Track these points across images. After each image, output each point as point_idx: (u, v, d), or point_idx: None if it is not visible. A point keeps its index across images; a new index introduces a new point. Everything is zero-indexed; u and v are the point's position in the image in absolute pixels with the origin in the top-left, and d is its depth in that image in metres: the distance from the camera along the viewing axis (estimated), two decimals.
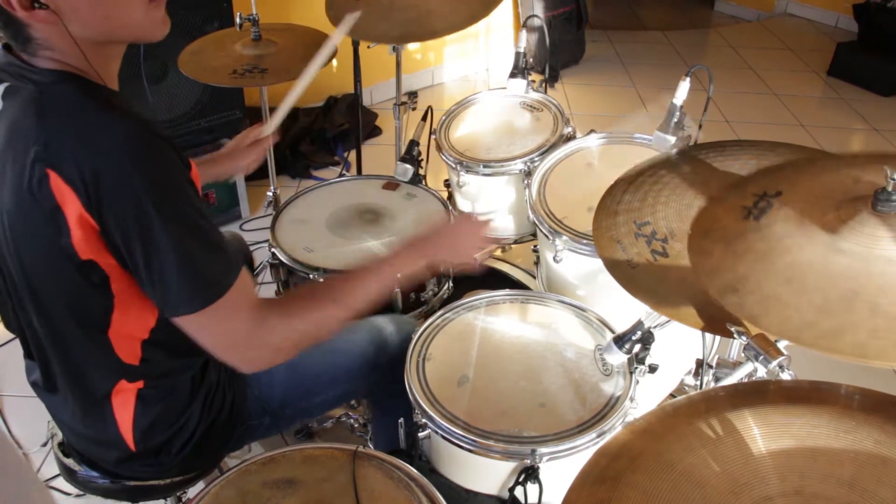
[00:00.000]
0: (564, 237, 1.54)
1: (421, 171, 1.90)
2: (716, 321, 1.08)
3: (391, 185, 1.91)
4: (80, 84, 0.99)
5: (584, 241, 1.52)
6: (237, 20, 2.06)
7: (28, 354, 1.21)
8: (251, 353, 1.07)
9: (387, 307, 1.65)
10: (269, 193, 2.40)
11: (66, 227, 0.95)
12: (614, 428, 1.22)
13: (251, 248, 1.99)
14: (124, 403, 1.16)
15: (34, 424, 2.04)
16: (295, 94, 1.56)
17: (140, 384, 1.16)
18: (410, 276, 1.26)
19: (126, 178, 0.93)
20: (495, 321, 1.46)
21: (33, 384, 1.26)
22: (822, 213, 0.92)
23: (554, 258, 1.56)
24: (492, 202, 1.94)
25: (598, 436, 1.21)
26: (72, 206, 0.93)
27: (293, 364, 1.36)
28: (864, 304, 0.81)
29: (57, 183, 0.92)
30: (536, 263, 1.78)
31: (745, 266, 0.91)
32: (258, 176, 3.09)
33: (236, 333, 1.04)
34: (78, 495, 1.88)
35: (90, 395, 1.16)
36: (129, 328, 1.09)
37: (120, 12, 0.98)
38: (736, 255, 0.93)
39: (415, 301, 1.70)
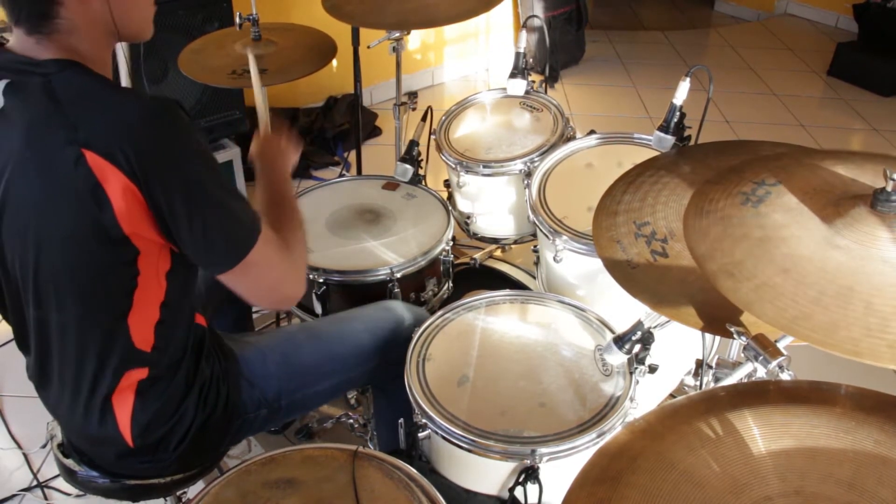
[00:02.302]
0: (564, 237, 1.54)
1: (421, 172, 1.90)
2: (715, 321, 1.08)
3: (391, 185, 1.91)
4: (85, 69, 1.02)
5: (584, 241, 1.52)
6: (237, 20, 2.06)
7: (22, 347, 1.21)
8: (296, 278, 1.17)
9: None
10: None
11: (107, 203, 0.97)
12: (614, 428, 1.22)
13: None
14: (123, 400, 1.17)
15: (34, 424, 2.04)
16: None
17: (144, 373, 1.16)
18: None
19: (165, 142, 0.98)
20: (495, 321, 1.46)
21: (30, 377, 1.26)
22: (821, 207, 0.92)
23: (554, 258, 1.56)
24: (492, 202, 1.94)
25: (598, 436, 1.21)
26: (114, 180, 0.96)
27: (287, 355, 1.37)
28: (860, 301, 0.81)
29: (95, 160, 0.95)
30: (536, 263, 1.78)
31: (742, 251, 0.91)
32: None
33: (279, 266, 1.12)
34: (78, 495, 1.88)
35: (91, 392, 1.16)
36: (147, 307, 1.11)
37: (136, 5, 1.08)
38: (733, 239, 0.93)
39: (415, 301, 1.70)
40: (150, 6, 1.10)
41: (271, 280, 1.13)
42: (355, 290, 1.65)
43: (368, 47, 2.23)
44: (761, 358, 0.99)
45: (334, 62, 2.61)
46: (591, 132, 1.83)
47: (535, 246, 1.76)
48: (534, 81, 2.04)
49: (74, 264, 1.04)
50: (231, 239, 1.06)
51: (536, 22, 3.68)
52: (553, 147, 1.82)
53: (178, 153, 1.00)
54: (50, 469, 1.97)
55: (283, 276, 1.14)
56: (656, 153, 1.57)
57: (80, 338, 1.12)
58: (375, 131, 3.68)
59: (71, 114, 0.97)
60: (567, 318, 1.46)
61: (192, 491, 1.27)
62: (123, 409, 1.17)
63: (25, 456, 2.02)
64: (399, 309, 1.51)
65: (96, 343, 1.12)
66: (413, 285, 1.68)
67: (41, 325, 1.13)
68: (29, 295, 1.10)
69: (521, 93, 2.02)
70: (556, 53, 4.21)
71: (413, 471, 1.13)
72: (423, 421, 1.26)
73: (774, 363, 0.98)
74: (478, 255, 2.04)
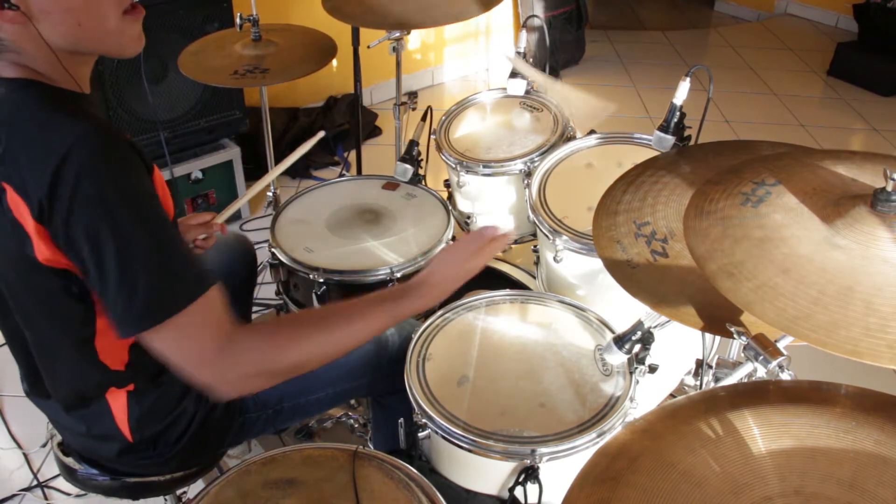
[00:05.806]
0: (564, 237, 1.54)
1: (421, 171, 1.90)
2: (716, 321, 1.08)
3: (391, 185, 1.91)
4: (41, 90, 0.97)
5: (584, 241, 1.52)
6: (237, 21, 2.06)
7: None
8: (225, 372, 0.98)
9: None
10: (269, 193, 2.39)
11: (28, 239, 0.93)
12: (614, 428, 1.22)
13: None
14: (117, 399, 1.17)
15: (34, 424, 2.04)
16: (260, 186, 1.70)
17: (130, 387, 1.16)
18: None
19: (80, 182, 0.88)
20: (495, 321, 1.46)
21: (25, 390, 1.26)
22: (821, 207, 0.92)
23: (554, 258, 1.56)
24: (492, 202, 1.94)
25: (598, 436, 1.21)
26: (28, 219, 0.92)
27: None
28: (860, 301, 0.81)
29: (12, 196, 0.92)
30: (536, 263, 1.78)
31: (742, 252, 0.91)
32: (258, 176, 3.10)
33: (203, 351, 0.96)
34: (78, 495, 1.88)
35: (81, 400, 1.16)
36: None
37: (92, 21, 0.96)
38: (733, 239, 0.93)
39: None
40: (118, 20, 0.98)
41: (203, 356, 0.96)
42: (355, 290, 1.65)
43: (368, 47, 2.23)
44: (761, 358, 0.99)
45: (334, 62, 2.61)
46: (591, 132, 1.83)
47: (535, 246, 1.76)
48: (534, 81, 2.04)
49: (27, 288, 1.02)
50: (155, 297, 0.92)
51: (536, 22, 3.68)
52: (553, 147, 1.82)
53: (96, 195, 0.89)
54: (50, 469, 1.97)
55: (221, 359, 0.96)
56: (656, 153, 1.57)
57: (54, 355, 1.11)
58: (375, 131, 3.68)
59: (3, 143, 0.93)
60: (567, 318, 1.46)
61: (192, 490, 1.27)
62: (119, 406, 1.17)
63: (25, 456, 2.02)
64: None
65: (71, 361, 1.10)
66: None
67: (20, 337, 1.12)
68: (9, 309, 1.08)
69: (521, 93, 2.02)
70: (556, 53, 4.21)
71: (413, 471, 1.13)
72: (423, 421, 1.26)
73: (774, 363, 0.98)
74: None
